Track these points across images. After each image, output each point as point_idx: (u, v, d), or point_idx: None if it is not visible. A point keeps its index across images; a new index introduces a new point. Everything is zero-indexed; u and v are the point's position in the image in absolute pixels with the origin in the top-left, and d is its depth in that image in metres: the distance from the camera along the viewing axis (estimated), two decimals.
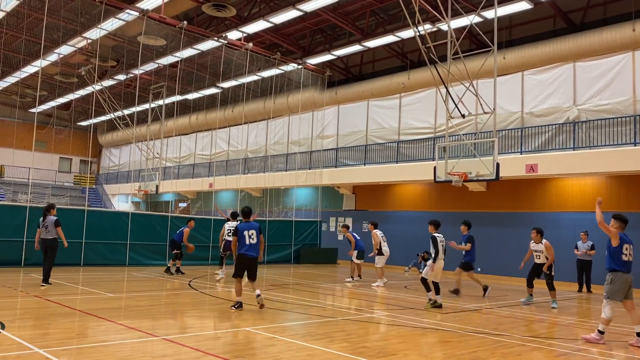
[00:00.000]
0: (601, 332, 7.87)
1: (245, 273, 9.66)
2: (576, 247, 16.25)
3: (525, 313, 10.91)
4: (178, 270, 16.24)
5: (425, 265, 13.84)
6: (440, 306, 10.73)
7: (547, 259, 12.02)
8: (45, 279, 11.97)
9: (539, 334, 8.63)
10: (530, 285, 12.34)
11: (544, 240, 12.10)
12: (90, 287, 12.37)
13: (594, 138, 17.09)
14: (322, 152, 25.61)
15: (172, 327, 8.25)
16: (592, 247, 15.92)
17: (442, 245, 11.09)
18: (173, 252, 16.27)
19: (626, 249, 7.96)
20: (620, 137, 16.49)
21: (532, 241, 12.31)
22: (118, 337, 7.19)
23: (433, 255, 10.97)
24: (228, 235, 14.52)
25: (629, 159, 15.67)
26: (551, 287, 12.05)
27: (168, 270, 16.22)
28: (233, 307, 9.55)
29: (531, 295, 12.32)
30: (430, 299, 10.89)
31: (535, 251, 12.24)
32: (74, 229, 16.42)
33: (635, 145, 15.87)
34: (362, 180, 23.45)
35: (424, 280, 11.02)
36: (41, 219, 12.10)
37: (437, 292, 10.88)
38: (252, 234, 9.59)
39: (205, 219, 21.22)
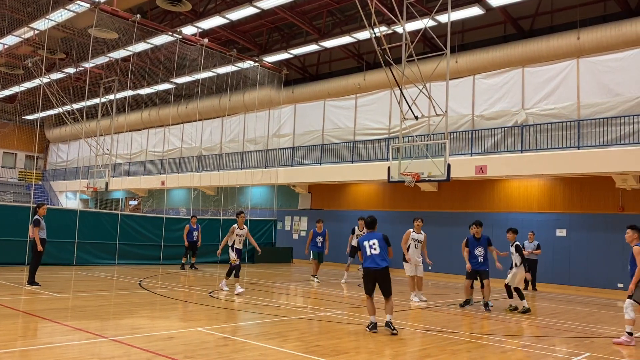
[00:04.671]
0: (630, 334, 8.14)
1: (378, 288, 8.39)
2: (523, 247, 16.77)
3: (474, 311, 11.22)
4: (192, 266, 18.44)
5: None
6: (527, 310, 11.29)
7: None
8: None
9: (487, 331, 8.90)
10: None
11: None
12: (35, 286, 11.92)
13: (540, 141, 17.71)
14: (278, 150, 25.54)
15: (122, 327, 8.06)
16: (538, 247, 16.51)
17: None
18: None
19: None
20: (564, 140, 17.16)
21: None
22: (64, 339, 6.97)
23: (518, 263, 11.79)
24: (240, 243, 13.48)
25: (572, 161, 16.33)
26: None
27: (191, 265, 18.49)
28: (367, 329, 8.30)
29: None
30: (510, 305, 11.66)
31: None
32: (19, 227, 15.86)
33: (578, 149, 16.55)
34: (317, 179, 23.53)
35: (508, 287, 11.73)
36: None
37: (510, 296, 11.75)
38: (374, 244, 8.44)
39: (157, 217, 20.83)
